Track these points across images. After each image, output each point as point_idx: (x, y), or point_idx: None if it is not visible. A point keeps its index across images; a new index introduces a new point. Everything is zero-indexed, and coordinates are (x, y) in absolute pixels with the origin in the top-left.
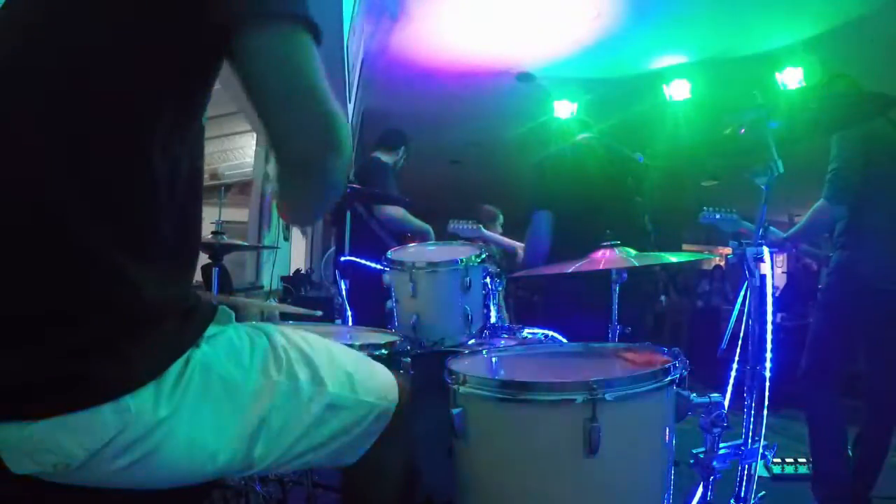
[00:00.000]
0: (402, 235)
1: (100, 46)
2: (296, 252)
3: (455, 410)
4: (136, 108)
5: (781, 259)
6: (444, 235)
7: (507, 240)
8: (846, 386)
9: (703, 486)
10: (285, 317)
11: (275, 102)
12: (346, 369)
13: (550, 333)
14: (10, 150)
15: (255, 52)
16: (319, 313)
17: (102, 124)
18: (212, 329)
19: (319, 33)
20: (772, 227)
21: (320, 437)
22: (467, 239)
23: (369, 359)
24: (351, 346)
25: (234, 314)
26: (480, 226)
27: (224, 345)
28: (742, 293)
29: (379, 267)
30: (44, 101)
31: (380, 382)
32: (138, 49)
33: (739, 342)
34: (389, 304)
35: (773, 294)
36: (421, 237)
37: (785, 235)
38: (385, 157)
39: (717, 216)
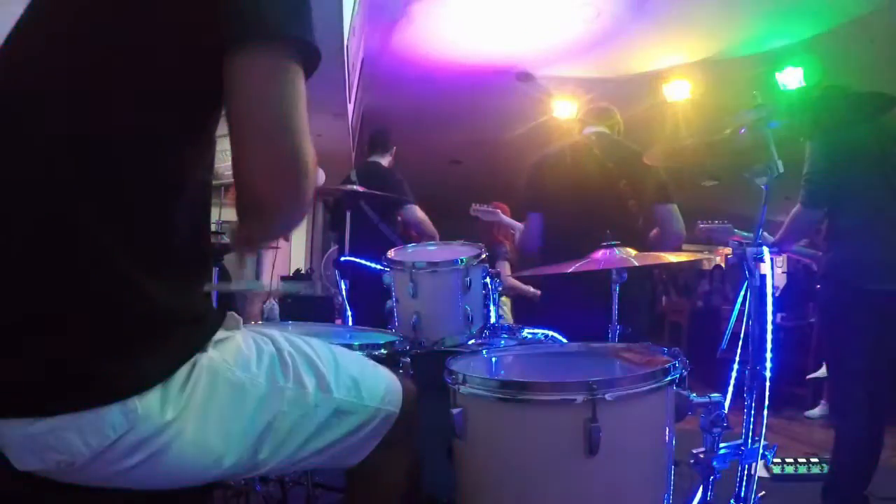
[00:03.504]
0: (410, 236)
1: (115, 53)
2: (296, 252)
3: (455, 410)
4: (148, 116)
5: (781, 259)
6: (446, 235)
7: (521, 225)
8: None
9: (703, 486)
10: (285, 316)
11: (242, 132)
12: (352, 375)
13: (550, 333)
14: (22, 155)
15: (233, 75)
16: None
17: (114, 132)
18: (220, 334)
19: (316, 58)
20: (764, 233)
21: (325, 441)
22: (486, 221)
23: (374, 363)
24: (351, 346)
25: (241, 320)
26: (498, 210)
27: (231, 350)
28: (742, 293)
29: (379, 267)
30: (55, 105)
31: (385, 387)
32: (151, 58)
33: (739, 342)
34: (389, 304)
35: (773, 294)
36: (430, 238)
37: (773, 240)
38: (384, 161)
39: (715, 227)
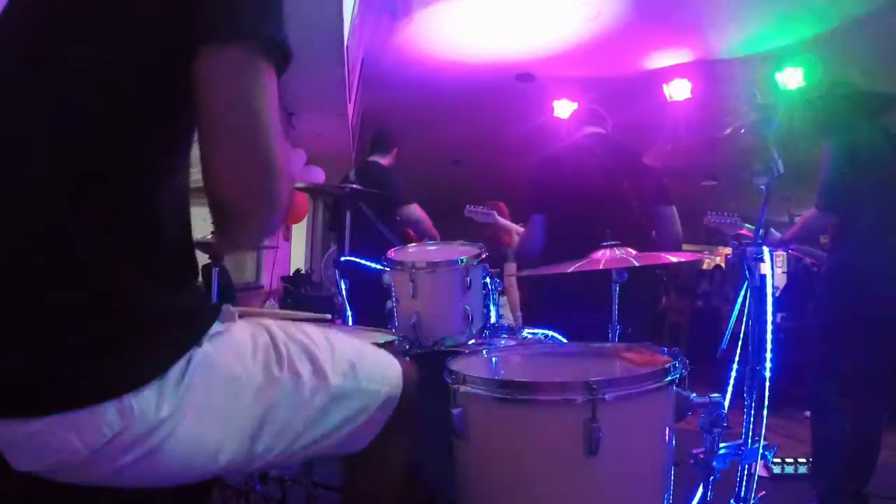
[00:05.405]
0: (408, 236)
1: (93, 51)
2: (296, 252)
3: (455, 410)
4: (128, 114)
5: (781, 259)
6: (445, 235)
7: (517, 227)
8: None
9: (703, 486)
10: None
11: (212, 131)
12: (348, 359)
13: (550, 333)
14: (11, 155)
15: (204, 74)
16: (328, 317)
17: (96, 130)
18: (214, 327)
19: (288, 57)
20: (772, 229)
21: (325, 428)
22: (481, 223)
23: (372, 346)
24: None
25: (237, 313)
26: (494, 212)
27: (226, 342)
28: (742, 293)
29: (379, 267)
30: (35, 103)
31: (383, 369)
32: (128, 57)
33: (739, 342)
34: (389, 304)
35: (773, 294)
36: (430, 238)
37: (781, 238)
38: (383, 161)
39: (722, 220)
